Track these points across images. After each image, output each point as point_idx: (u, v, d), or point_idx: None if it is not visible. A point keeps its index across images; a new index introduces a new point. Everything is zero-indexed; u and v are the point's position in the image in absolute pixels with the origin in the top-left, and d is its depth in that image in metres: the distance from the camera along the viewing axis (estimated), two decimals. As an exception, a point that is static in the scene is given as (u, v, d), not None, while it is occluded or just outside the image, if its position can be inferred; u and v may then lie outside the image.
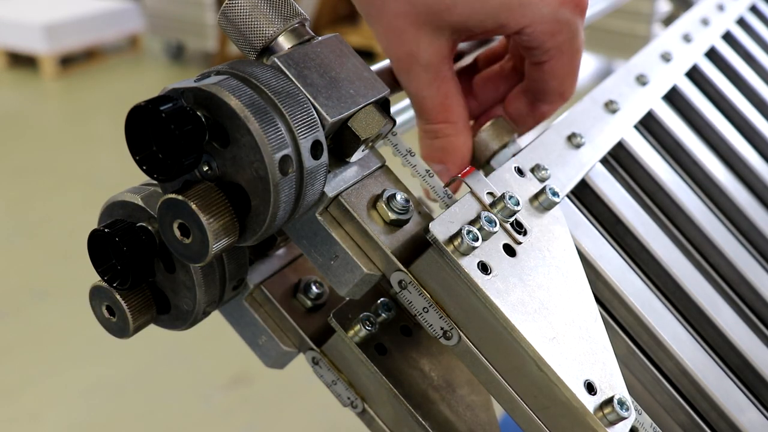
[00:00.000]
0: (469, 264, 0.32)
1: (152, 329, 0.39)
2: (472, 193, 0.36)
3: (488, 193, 0.36)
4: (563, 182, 0.42)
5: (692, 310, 0.47)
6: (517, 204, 0.35)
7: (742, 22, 0.75)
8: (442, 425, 0.39)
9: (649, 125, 0.55)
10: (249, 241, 0.31)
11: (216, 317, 0.42)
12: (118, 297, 0.35)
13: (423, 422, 0.39)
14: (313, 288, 0.41)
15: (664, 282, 0.47)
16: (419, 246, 0.35)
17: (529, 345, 0.32)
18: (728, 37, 0.70)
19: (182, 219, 0.30)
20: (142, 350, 1.97)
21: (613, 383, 0.33)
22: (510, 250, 0.35)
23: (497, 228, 0.34)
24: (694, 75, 0.63)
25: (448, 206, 0.36)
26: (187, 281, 0.35)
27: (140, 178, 0.34)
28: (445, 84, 0.40)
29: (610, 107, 0.50)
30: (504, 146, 0.44)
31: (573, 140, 0.45)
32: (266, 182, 0.29)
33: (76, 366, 1.96)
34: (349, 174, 0.35)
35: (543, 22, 0.38)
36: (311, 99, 0.32)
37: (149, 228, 0.34)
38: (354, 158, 0.35)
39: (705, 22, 0.67)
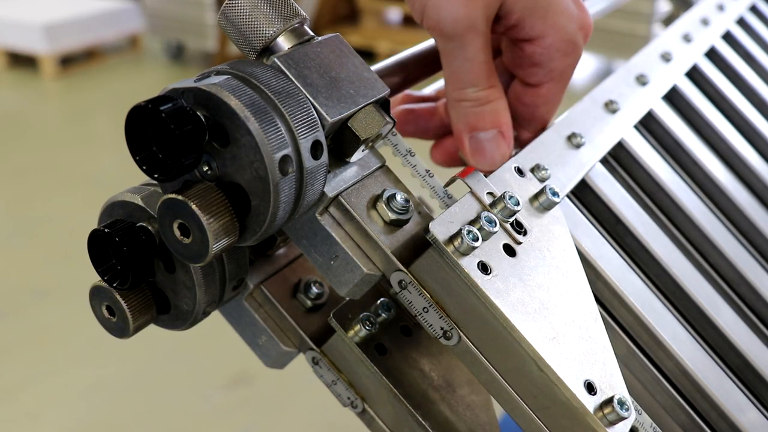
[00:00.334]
0: (469, 264, 0.32)
1: (152, 329, 0.39)
2: (472, 193, 0.36)
3: (488, 193, 0.36)
4: (563, 182, 0.42)
5: (692, 310, 0.47)
6: (517, 204, 0.35)
7: (742, 22, 0.75)
8: (442, 425, 0.39)
9: (649, 125, 0.55)
10: (249, 241, 0.31)
11: (216, 317, 0.42)
12: (118, 297, 0.35)
13: (423, 422, 0.39)
14: (313, 288, 0.41)
15: (664, 282, 0.47)
16: (419, 246, 0.35)
17: (529, 345, 0.32)
18: (728, 37, 0.70)
19: (182, 219, 0.30)
20: (142, 350, 1.97)
21: (613, 383, 0.33)
22: (510, 250, 0.35)
23: (497, 228, 0.34)
24: (694, 75, 0.63)
25: (448, 206, 0.36)
26: (187, 281, 0.35)
27: (140, 178, 0.34)
28: (491, 51, 0.40)
29: (610, 107, 0.50)
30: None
31: (573, 140, 0.45)
32: (266, 182, 0.29)
33: (76, 366, 1.96)
34: (349, 174, 0.35)
35: (563, 38, 0.40)
36: (311, 99, 0.32)
37: (149, 228, 0.34)
38: (354, 158, 0.35)
39: (705, 22, 0.67)
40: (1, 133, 3.43)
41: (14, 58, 4.20)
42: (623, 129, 0.50)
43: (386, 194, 0.35)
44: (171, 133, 0.28)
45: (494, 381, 0.33)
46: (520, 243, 0.35)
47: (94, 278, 0.35)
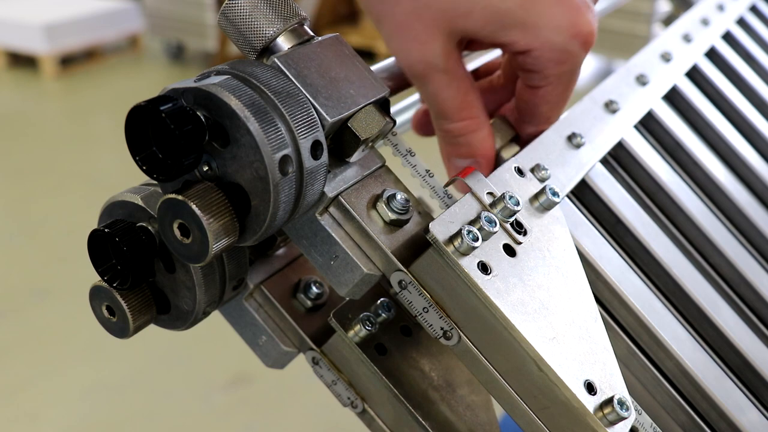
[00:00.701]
0: (469, 264, 0.32)
1: (152, 329, 0.39)
2: (472, 193, 0.36)
3: (488, 193, 0.36)
4: (563, 182, 0.42)
5: (692, 310, 0.47)
6: (517, 204, 0.35)
7: (742, 22, 0.75)
8: (442, 425, 0.39)
9: (649, 125, 0.55)
10: (249, 241, 0.31)
11: (216, 317, 0.42)
12: (118, 297, 0.35)
13: (423, 422, 0.39)
14: (313, 288, 0.41)
15: (664, 282, 0.47)
16: (419, 246, 0.35)
17: (529, 345, 0.32)
18: (728, 37, 0.70)
19: (182, 219, 0.30)
20: (142, 350, 1.97)
21: (613, 383, 0.33)
22: (510, 250, 0.35)
23: (497, 228, 0.34)
24: (694, 75, 0.63)
25: (448, 206, 0.36)
26: (187, 281, 0.35)
27: (140, 178, 0.34)
28: (462, 83, 0.40)
29: (610, 107, 0.50)
30: (504, 146, 0.44)
31: (573, 140, 0.45)
32: (266, 182, 0.29)
33: (76, 366, 1.96)
34: (349, 174, 0.35)
35: (552, 49, 0.38)
36: (311, 99, 0.32)
37: (149, 228, 0.34)
38: (354, 158, 0.35)
39: (705, 22, 0.67)
40: (1, 133, 3.44)
41: (14, 58, 4.20)
42: (623, 129, 0.50)
43: (386, 194, 0.35)
44: (171, 133, 0.28)
45: (494, 381, 0.33)
46: (520, 243, 0.35)
47: (94, 278, 0.35)
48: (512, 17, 0.37)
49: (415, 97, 0.55)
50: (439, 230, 0.33)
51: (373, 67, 0.42)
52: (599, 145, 0.47)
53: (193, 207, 0.29)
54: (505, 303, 0.32)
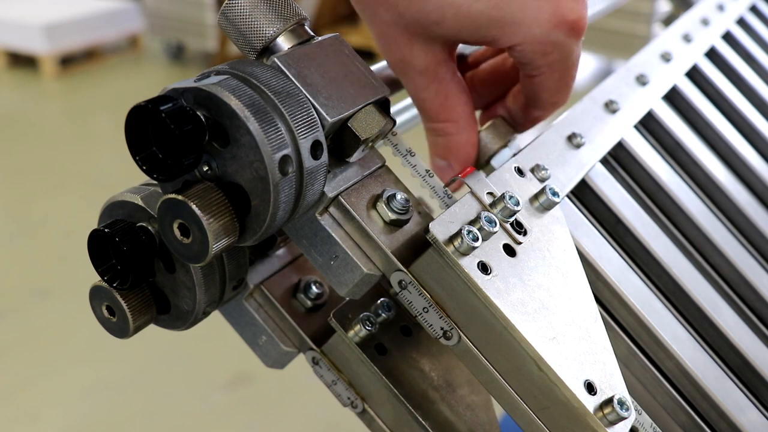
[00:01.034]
0: (469, 264, 0.32)
1: (152, 329, 0.39)
2: (472, 193, 0.36)
3: (488, 193, 0.36)
4: (563, 182, 0.42)
5: (692, 310, 0.47)
6: (517, 204, 0.35)
7: (742, 22, 0.75)
8: (442, 425, 0.39)
9: (649, 125, 0.55)
10: (249, 241, 0.31)
11: (216, 317, 0.42)
12: (118, 297, 0.35)
13: (423, 422, 0.39)
14: (313, 288, 0.41)
15: (664, 282, 0.47)
16: (419, 246, 0.35)
17: (529, 345, 0.32)
18: (728, 37, 0.70)
19: (182, 219, 0.30)
20: (142, 350, 1.97)
21: (613, 383, 0.33)
22: (510, 250, 0.35)
23: (497, 228, 0.34)
24: (694, 75, 0.63)
25: (448, 206, 0.36)
26: (187, 281, 0.35)
27: (140, 178, 0.34)
28: (443, 85, 0.40)
29: (610, 107, 0.50)
30: (504, 146, 0.44)
31: (573, 140, 0.45)
32: (266, 182, 0.29)
33: (76, 366, 1.96)
34: (349, 174, 0.35)
35: (534, 42, 0.38)
36: (311, 99, 0.32)
37: (149, 228, 0.34)
38: (354, 158, 0.35)
39: (705, 22, 0.67)
40: (1, 133, 3.44)
41: (14, 58, 4.20)
42: (623, 129, 0.50)
43: (386, 194, 0.35)
44: (171, 133, 0.28)
45: (494, 381, 0.33)
46: (520, 243, 0.35)
47: (94, 278, 0.35)
48: (486, 18, 0.37)
49: (415, 97, 0.54)
50: (439, 230, 0.33)
51: (373, 67, 0.42)
52: (599, 145, 0.47)
53: (193, 207, 0.29)
54: (505, 303, 0.32)
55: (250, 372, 1.91)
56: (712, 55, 0.66)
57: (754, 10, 0.78)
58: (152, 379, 1.92)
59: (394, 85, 0.43)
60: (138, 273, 0.33)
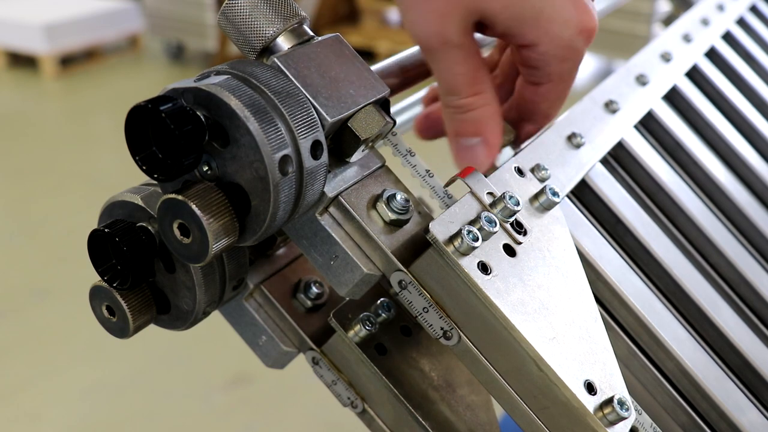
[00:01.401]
0: (469, 264, 0.32)
1: (152, 329, 0.39)
2: (472, 193, 0.36)
3: (488, 193, 0.36)
4: (563, 182, 0.42)
5: (692, 310, 0.47)
6: (517, 204, 0.35)
7: (742, 22, 0.75)
8: (442, 425, 0.39)
9: (649, 125, 0.55)
10: (249, 241, 0.31)
11: (216, 317, 0.42)
12: (118, 297, 0.35)
13: (423, 422, 0.39)
14: (313, 288, 0.41)
15: (664, 282, 0.47)
16: (419, 246, 0.35)
17: (529, 345, 0.32)
18: (728, 37, 0.70)
19: (182, 219, 0.30)
20: (142, 350, 1.97)
21: (613, 383, 0.33)
22: (510, 250, 0.35)
23: (497, 228, 0.34)
24: (694, 75, 0.63)
25: (448, 206, 0.36)
26: (187, 281, 0.35)
27: (140, 178, 0.34)
28: (475, 59, 0.40)
29: (610, 107, 0.50)
30: (504, 146, 0.44)
31: (573, 140, 0.45)
32: (266, 182, 0.29)
33: (76, 366, 1.96)
34: (349, 174, 0.35)
35: (558, 45, 0.39)
36: (311, 99, 0.32)
37: (149, 228, 0.34)
38: (354, 158, 0.35)
39: (705, 22, 0.67)
40: (1, 133, 3.44)
41: (14, 58, 4.20)
42: (623, 129, 0.50)
43: (386, 194, 0.35)
44: (171, 133, 0.28)
45: (494, 381, 0.33)
46: (520, 243, 0.35)
47: (94, 278, 0.35)
48: (530, 5, 0.38)
49: (415, 97, 0.55)
50: (439, 230, 0.33)
51: (373, 67, 0.42)
52: (599, 145, 0.47)
53: (193, 207, 0.29)
54: (505, 303, 0.32)
55: (250, 372, 1.91)
56: (712, 55, 0.66)
57: (754, 10, 0.78)
58: (152, 379, 1.92)
59: (394, 85, 0.43)
60: (138, 273, 0.33)
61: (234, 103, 0.29)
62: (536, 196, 0.39)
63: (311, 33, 0.36)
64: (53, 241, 2.53)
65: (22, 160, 3.18)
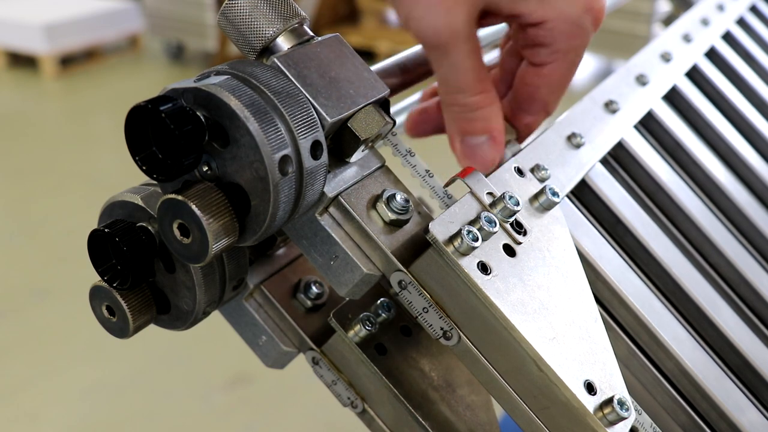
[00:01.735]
0: (468, 264, 0.32)
1: (152, 329, 0.39)
2: (472, 193, 0.36)
3: (488, 193, 0.36)
4: (563, 182, 0.42)
5: (692, 310, 0.47)
6: (517, 204, 0.35)
7: (742, 22, 0.75)
8: (442, 425, 0.39)
9: (649, 125, 0.55)
10: (249, 241, 0.31)
11: (216, 317, 0.42)
12: (118, 297, 0.35)
13: (423, 422, 0.39)
14: (313, 288, 0.41)
15: (664, 282, 0.47)
16: (419, 246, 0.35)
17: (529, 345, 0.32)
18: (728, 37, 0.70)
19: (182, 219, 0.30)
20: (142, 350, 1.97)
21: (613, 383, 0.33)
22: (510, 250, 0.35)
23: (497, 228, 0.34)
24: (694, 75, 0.63)
25: (447, 206, 0.36)
26: (187, 281, 0.35)
27: (140, 178, 0.34)
28: (479, 55, 0.39)
29: (610, 107, 0.50)
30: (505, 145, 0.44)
31: (573, 140, 0.45)
32: (266, 182, 0.29)
33: (76, 366, 1.96)
34: (348, 174, 0.35)
35: (566, 21, 0.39)
36: (311, 99, 0.32)
37: (149, 228, 0.34)
38: (354, 158, 0.35)
39: (705, 22, 0.67)
40: (1, 133, 3.44)
41: (14, 58, 4.20)
42: (623, 129, 0.50)
43: (386, 194, 0.35)
44: (171, 133, 0.28)
45: (494, 381, 0.33)
46: (520, 243, 0.35)
47: (94, 278, 0.35)
48: None
49: (415, 97, 0.55)
50: (439, 230, 0.33)
51: (373, 67, 0.42)
52: (599, 145, 0.47)
53: (193, 207, 0.29)
54: (505, 303, 0.32)
55: (250, 372, 1.91)
56: (712, 55, 0.66)
57: (754, 10, 0.78)
58: (152, 379, 1.92)
59: (394, 85, 0.43)
60: (138, 273, 0.33)
61: (234, 103, 0.29)
62: (536, 196, 0.39)
63: (311, 33, 0.36)
64: (53, 241, 2.53)
65: (22, 160, 3.18)
